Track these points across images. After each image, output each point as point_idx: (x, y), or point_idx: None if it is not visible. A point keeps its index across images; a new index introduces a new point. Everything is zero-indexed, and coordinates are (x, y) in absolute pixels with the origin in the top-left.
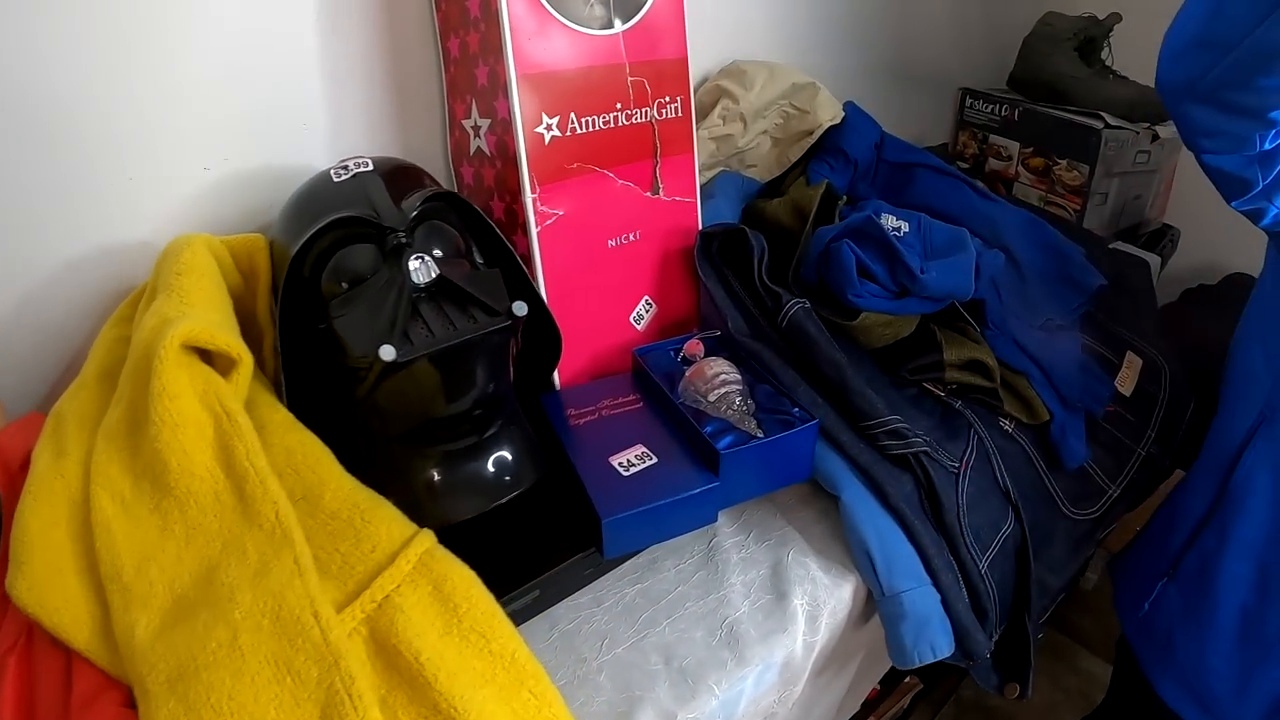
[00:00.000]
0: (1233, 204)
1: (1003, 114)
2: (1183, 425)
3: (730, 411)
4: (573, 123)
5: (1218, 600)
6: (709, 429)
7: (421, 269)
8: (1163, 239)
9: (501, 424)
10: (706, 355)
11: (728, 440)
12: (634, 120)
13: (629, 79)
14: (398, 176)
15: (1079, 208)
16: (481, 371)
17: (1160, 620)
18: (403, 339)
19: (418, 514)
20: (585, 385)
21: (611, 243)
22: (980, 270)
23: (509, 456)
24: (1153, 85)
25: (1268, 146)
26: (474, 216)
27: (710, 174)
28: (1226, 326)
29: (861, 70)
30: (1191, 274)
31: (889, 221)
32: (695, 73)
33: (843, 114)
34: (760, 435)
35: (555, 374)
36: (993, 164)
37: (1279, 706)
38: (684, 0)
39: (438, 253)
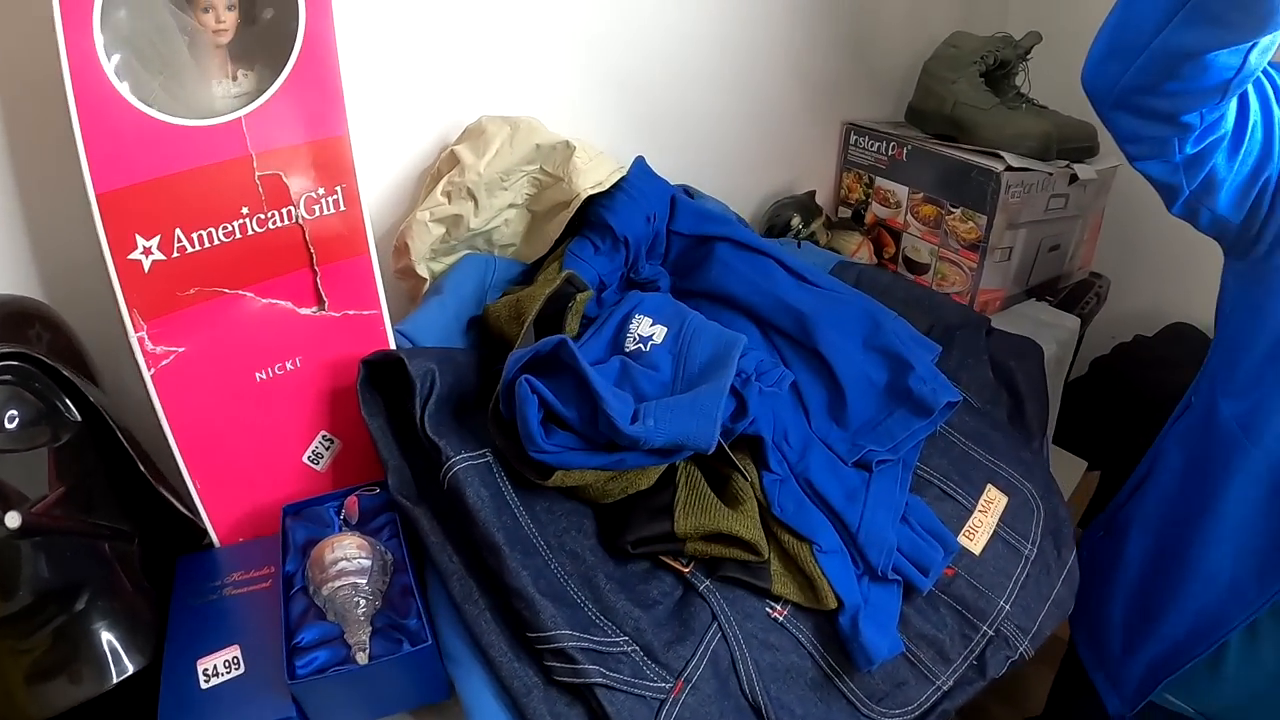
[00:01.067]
0: (1171, 210)
1: (890, 153)
2: (1053, 591)
3: (337, 616)
4: (180, 240)
5: (1124, 560)
6: (307, 636)
7: None
8: (1087, 293)
9: (89, 599)
10: (360, 523)
11: (312, 662)
12: (271, 225)
13: (257, 175)
14: None
15: (976, 266)
16: (26, 567)
17: (1089, 570)
18: None
19: (11, 709)
20: (232, 548)
21: (261, 375)
22: (747, 402)
23: (109, 638)
24: (1073, 115)
25: (1190, 151)
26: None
27: (453, 259)
28: (1172, 383)
29: (734, 100)
30: (1124, 324)
31: (641, 326)
32: (434, 136)
33: (615, 178)
34: (359, 660)
35: (210, 529)
36: (878, 211)
37: (1155, 671)
38: (337, 60)
39: (12, 416)
